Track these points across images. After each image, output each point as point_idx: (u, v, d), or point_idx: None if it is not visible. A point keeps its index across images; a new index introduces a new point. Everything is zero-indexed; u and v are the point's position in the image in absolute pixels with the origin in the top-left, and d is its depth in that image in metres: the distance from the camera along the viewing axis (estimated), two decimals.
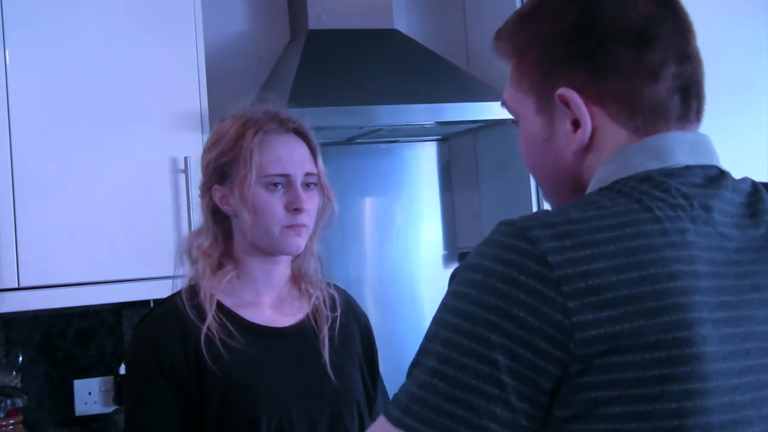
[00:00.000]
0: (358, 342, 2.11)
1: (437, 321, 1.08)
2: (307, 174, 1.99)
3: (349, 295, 2.20)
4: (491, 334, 1.02)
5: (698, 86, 1.18)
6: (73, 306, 2.97)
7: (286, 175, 1.96)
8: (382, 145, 3.69)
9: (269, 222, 1.95)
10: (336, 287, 2.14)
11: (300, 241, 1.98)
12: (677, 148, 1.14)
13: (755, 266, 1.09)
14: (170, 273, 2.06)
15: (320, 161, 2.03)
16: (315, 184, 2.01)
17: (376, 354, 2.17)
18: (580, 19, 1.17)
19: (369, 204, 3.70)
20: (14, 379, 3.07)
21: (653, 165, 1.13)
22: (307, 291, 2.07)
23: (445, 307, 1.08)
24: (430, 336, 1.08)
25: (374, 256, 3.67)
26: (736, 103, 3.19)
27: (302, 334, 2.02)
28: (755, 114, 3.37)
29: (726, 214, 1.11)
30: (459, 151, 3.78)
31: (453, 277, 1.11)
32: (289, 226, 1.96)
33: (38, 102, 2.79)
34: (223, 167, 1.99)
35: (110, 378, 3.22)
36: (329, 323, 2.04)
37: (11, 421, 2.96)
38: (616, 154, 1.15)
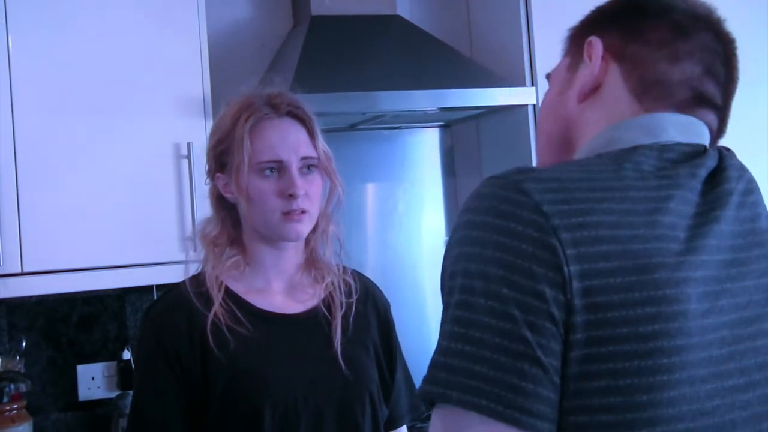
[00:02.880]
0: (374, 330, 2.08)
1: (450, 288, 1.07)
2: (304, 158, 1.95)
3: (370, 282, 2.17)
4: (503, 288, 1.02)
5: (713, 104, 1.23)
6: (76, 291, 2.97)
7: (278, 161, 1.93)
8: (385, 131, 3.68)
9: (265, 210, 1.93)
10: (355, 273, 2.11)
11: (300, 227, 1.95)
12: (670, 126, 1.18)
13: (722, 225, 1.13)
14: (174, 258, 2.06)
15: (320, 143, 1.98)
16: (315, 167, 1.97)
17: (396, 342, 2.12)
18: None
19: (371, 190, 3.69)
20: (18, 364, 3.08)
21: (645, 140, 1.16)
22: (321, 277, 2.04)
23: (453, 271, 1.07)
24: (446, 304, 1.08)
25: (376, 242, 3.67)
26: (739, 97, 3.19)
27: (314, 321, 2.00)
28: (758, 107, 3.38)
29: (709, 182, 1.15)
30: (461, 137, 3.78)
31: (452, 238, 1.11)
32: (286, 213, 1.93)
33: (41, 88, 2.79)
34: (221, 155, 1.98)
35: (113, 363, 3.22)
36: (343, 310, 2.01)
37: (15, 406, 2.97)
38: (611, 127, 1.20)
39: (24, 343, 3.14)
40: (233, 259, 1.98)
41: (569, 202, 1.04)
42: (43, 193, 2.77)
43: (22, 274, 2.73)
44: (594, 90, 1.24)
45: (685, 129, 1.19)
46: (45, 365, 3.20)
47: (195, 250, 2.03)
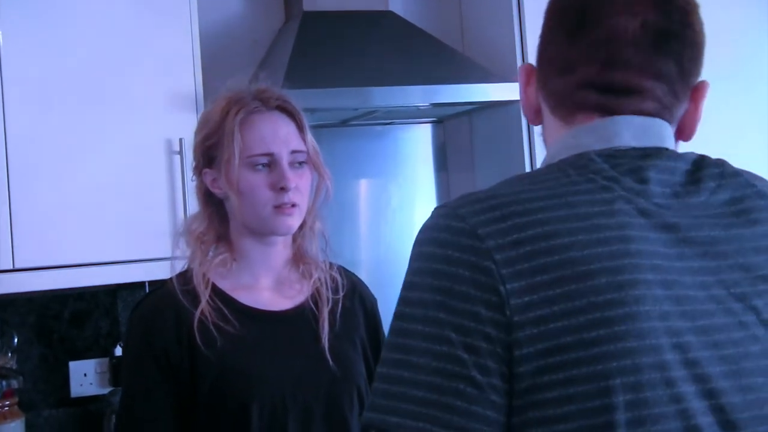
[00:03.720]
0: (362, 326, 2.08)
1: (393, 317, 1.10)
2: (294, 152, 1.96)
3: (356, 278, 2.17)
4: (440, 314, 1.04)
5: (631, 90, 1.17)
6: (68, 288, 2.96)
7: (269, 154, 1.93)
8: (378, 127, 3.68)
9: (256, 203, 1.93)
10: (341, 269, 2.10)
11: (291, 221, 1.95)
12: (624, 131, 1.16)
13: (689, 232, 1.10)
14: (165, 255, 2.05)
15: (309, 138, 1.99)
16: (304, 161, 1.98)
17: (383, 337, 2.11)
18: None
19: (364, 186, 3.69)
20: (9, 361, 3.07)
21: (598, 145, 1.15)
22: (308, 273, 2.04)
23: (399, 301, 1.10)
24: (389, 333, 1.10)
25: (369, 238, 3.67)
26: (735, 90, 3.20)
27: (301, 317, 1.99)
28: (753, 100, 3.38)
29: (665, 184, 1.13)
30: (454, 133, 3.78)
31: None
32: (278, 206, 1.93)
33: (32, 83, 2.78)
34: (209, 150, 1.97)
35: (106, 360, 3.22)
36: (330, 306, 2.01)
37: (7, 403, 2.96)
38: (565, 134, 1.20)
39: (16, 340, 3.13)
40: (221, 257, 1.98)
41: (505, 218, 1.05)
42: (34, 189, 2.76)
43: (14, 270, 2.73)
44: (537, 112, 1.28)
45: (643, 133, 1.16)
46: (37, 362, 3.19)
47: (180, 247, 2.02)
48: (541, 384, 1.01)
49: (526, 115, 1.30)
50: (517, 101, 3.23)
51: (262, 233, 1.97)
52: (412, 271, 1.10)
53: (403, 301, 1.09)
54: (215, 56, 3.15)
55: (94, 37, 2.86)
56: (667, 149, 1.17)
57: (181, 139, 2.85)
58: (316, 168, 2.00)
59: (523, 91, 1.28)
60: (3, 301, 3.13)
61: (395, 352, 1.07)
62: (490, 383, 1.01)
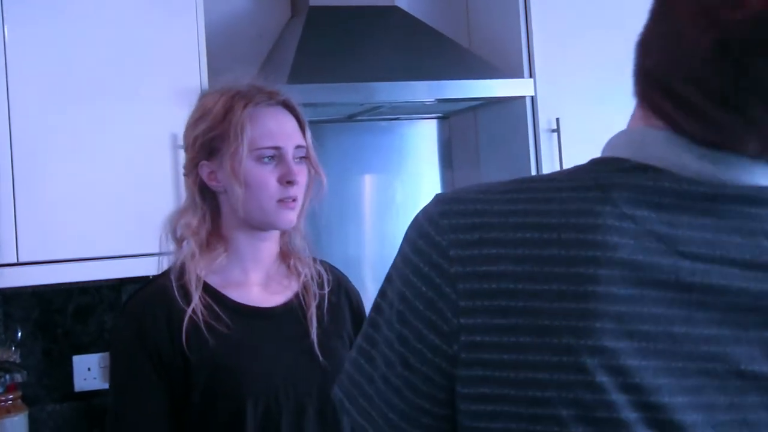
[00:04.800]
0: (348, 320, 2.08)
1: (374, 301, 1.08)
2: (297, 147, 1.97)
3: (340, 272, 2.17)
4: (396, 323, 1.01)
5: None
6: (72, 282, 2.96)
7: (277, 148, 1.94)
8: (383, 123, 3.68)
9: (262, 196, 1.93)
10: (324, 264, 2.10)
11: (292, 216, 1.95)
12: (696, 162, 0.95)
13: (706, 295, 0.92)
14: (170, 249, 2.04)
15: (308, 134, 2.00)
16: (304, 157, 1.99)
17: None
18: None
19: (369, 181, 3.69)
20: (13, 355, 3.07)
21: (656, 162, 0.96)
22: (296, 268, 2.04)
23: (379, 290, 1.07)
24: (368, 315, 1.09)
25: (374, 234, 3.66)
26: None
27: (290, 313, 1.99)
28: None
29: (707, 230, 0.94)
30: (459, 128, 3.77)
31: None
32: (282, 200, 1.93)
33: (37, 77, 2.78)
34: (211, 142, 1.96)
35: (109, 354, 3.21)
36: (317, 301, 2.01)
37: (10, 396, 2.96)
38: (636, 130, 1.01)
39: (19, 334, 3.13)
40: (213, 251, 1.97)
41: (482, 244, 0.96)
42: (39, 183, 2.76)
43: (18, 264, 2.72)
44: None
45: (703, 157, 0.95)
46: (41, 356, 3.19)
47: (169, 241, 2.01)
48: (477, 428, 0.96)
49: None
50: (522, 97, 3.24)
51: (261, 227, 1.97)
52: (393, 262, 1.06)
53: (380, 292, 1.06)
54: (221, 51, 3.15)
55: (100, 31, 2.85)
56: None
57: None
58: (313, 165, 2.01)
59: None
60: (7, 295, 3.13)
61: (364, 340, 1.06)
62: (420, 405, 1.00)
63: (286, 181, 1.92)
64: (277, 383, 1.90)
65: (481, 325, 0.94)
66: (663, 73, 0.93)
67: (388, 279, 1.06)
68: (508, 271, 0.94)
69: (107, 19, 2.86)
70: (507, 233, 0.95)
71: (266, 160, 1.93)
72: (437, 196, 1.05)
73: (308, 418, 1.91)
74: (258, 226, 1.97)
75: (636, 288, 0.91)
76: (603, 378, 0.89)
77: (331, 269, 2.12)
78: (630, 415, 0.89)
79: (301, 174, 1.97)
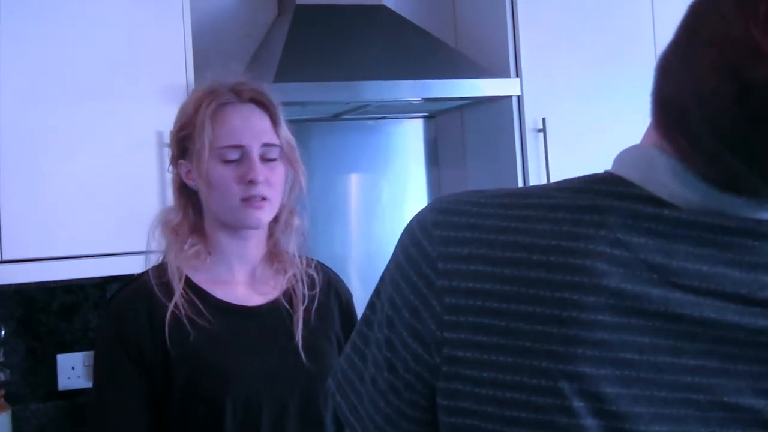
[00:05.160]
0: (337, 321, 2.07)
1: (368, 303, 1.09)
2: (266, 145, 1.94)
3: (332, 272, 2.16)
4: (384, 327, 1.02)
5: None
6: (57, 280, 2.95)
7: (239, 147, 1.92)
8: (369, 122, 3.68)
9: (225, 196, 1.92)
10: (318, 264, 2.10)
11: (260, 215, 1.93)
12: (700, 197, 0.94)
13: (696, 327, 0.91)
14: (156, 247, 2.04)
15: (283, 132, 1.97)
16: (277, 155, 1.96)
17: None
18: None
19: (355, 180, 3.68)
20: None
21: (662, 190, 0.94)
22: (283, 269, 2.03)
23: (374, 290, 1.08)
24: (363, 312, 1.10)
25: (360, 233, 3.66)
26: None
27: (275, 313, 1.98)
28: None
29: (705, 261, 0.92)
30: (446, 128, 3.77)
31: None
32: (246, 199, 1.91)
33: (23, 74, 2.77)
34: (183, 141, 1.97)
35: (93, 353, 3.20)
36: (306, 302, 2.00)
37: None
38: (647, 148, 0.97)
39: (3, 332, 3.12)
40: (195, 248, 1.97)
41: (471, 260, 0.96)
42: (23, 181, 2.75)
43: (2, 262, 2.71)
44: None
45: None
46: (24, 354, 3.17)
47: (155, 239, 2.01)
48: None
49: None
50: (509, 97, 3.24)
51: (234, 226, 1.96)
52: (388, 265, 1.06)
53: (375, 290, 1.07)
54: (207, 48, 3.14)
55: (86, 29, 2.84)
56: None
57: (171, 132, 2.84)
58: (290, 162, 1.98)
59: None
60: None
61: (358, 337, 1.08)
62: (401, 410, 1.01)
63: (248, 180, 1.90)
64: (258, 382, 1.90)
65: (463, 340, 0.95)
66: (680, 105, 0.91)
67: (382, 280, 1.06)
68: (494, 289, 0.94)
69: (94, 17, 2.85)
70: (496, 251, 0.95)
71: (229, 159, 1.92)
72: (434, 201, 1.05)
73: (289, 418, 1.91)
74: (230, 225, 1.96)
75: (622, 316, 0.91)
76: (579, 403, 0.90)
77: (323, 269, 2.11)
78: None
79: (272, 172, 1.94)
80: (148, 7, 2.91)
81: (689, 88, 0.89)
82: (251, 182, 1.90)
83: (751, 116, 0.84)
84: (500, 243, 0.96)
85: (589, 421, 0.89)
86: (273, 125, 1.96)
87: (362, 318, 1.08)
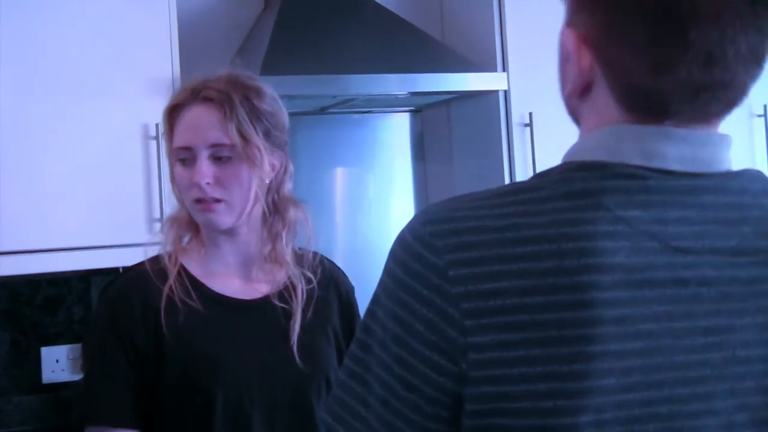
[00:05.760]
0: (336, 316, 2.06)
1: (359, 326, 1.07)
2: (214, 145, 1.88)
3: (335, 266, 2.14)
4: (394, 346, 1.00)
5: (727, 88, 0.99)
6: (41, 273, 2.94)
7: (187, 148, 1.89)
8: (355, 116, 3.67)
9: (183, 197, 1.92)
10: (321, 258, 2.07)
11: (214, 217, 1.89)
12: (671, 149, 0.99)
13: (701, 288, 0.97)
14: (141, 240, 2.04)
15: (236, 129, 1.87)
16: (231, 155, 1.88)
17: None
18: None
19: (341, 175, 3.68)
20: None
21: (637, 160, 0.99)
22: (280, 263, 2.00)
23: (366, 312, 1.06)
24: (354, 338, 1.07)
25: (345, 227, 3.66)
26: None
27: (271, 307, 1.97)
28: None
29: (693, 222, 0.98)
30: (432, 122, 3.77)
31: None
32: (197, 201, 1.89)
33: (7, 68, 2.75)
34: (166, 141, 1.99)
35: (78, 346, 3.19)
36: (304, 297, 1.98)
37: None
38: (605, 129, 1.02)
39: None
40: (190, 240, 1.97)
41: (482, 263, 0.96)
42: (8, 174, 2.74)
43: None
44: (584, 89, 1.05)
45: (692, 157, 1.00)
46: (8, 347, 3.16)
47: (157, 233, 2.02)
48: None
49: (569, 93, 1.07)
50: (495, 91, 3.24)
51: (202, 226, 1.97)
52: (381, 284, 1.04)
53: (369, 314, 1.05)
54: (193, 41, 3.13)
55: (72, 22, 2.83)
56: (710, 174, 1.01)
57: (157, 125, 2.83)
58: (248, 160, 1.89)
59: (575, 62, 1.05)
60: None
61: (354, 363, 1.05)
62: (427, 427, 0.99)
63: (193, 182, 1.88)
64: (250, 376, 1.89)
65: (488, 342, 0.95)
66: (616, 62, 1.01)
67: (376, 301, 1.04)
68: (512, 286, 0.95)
69: (79, 10, 2.84)
70: (505, 248, 0.97)
71: (184, 160, 1.90)
72: (421, 214, 1.04)
73: (281, 414, 1.91)
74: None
75: (636, 290, 0.95)
76: (611, 381, 0.93)
77: (324, 263, 2.09)
78: (639, 411, 0.94)
79: (225, 172, 1.89)
80: (134, 1, 2.89)
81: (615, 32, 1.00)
82: (198, 185, 1.88)
83: (673, 27, 0.96)
84: (507, 240, 0.97)
85: (621, 397, 0.94)
86: (225, 123, 1.88)
87: (357, 342, 1.06)
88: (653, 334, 0.95)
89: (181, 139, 1.90)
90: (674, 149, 0.99)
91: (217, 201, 1.88)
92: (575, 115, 1.11)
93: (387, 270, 1.04)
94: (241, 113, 1.88)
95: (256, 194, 1.92)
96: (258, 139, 1.90)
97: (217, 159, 1.89)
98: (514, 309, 0.94)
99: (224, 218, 1.91)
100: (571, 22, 1.06)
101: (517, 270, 0.95)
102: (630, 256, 0.95)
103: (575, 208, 0.97)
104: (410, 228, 1.03)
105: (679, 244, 0.97)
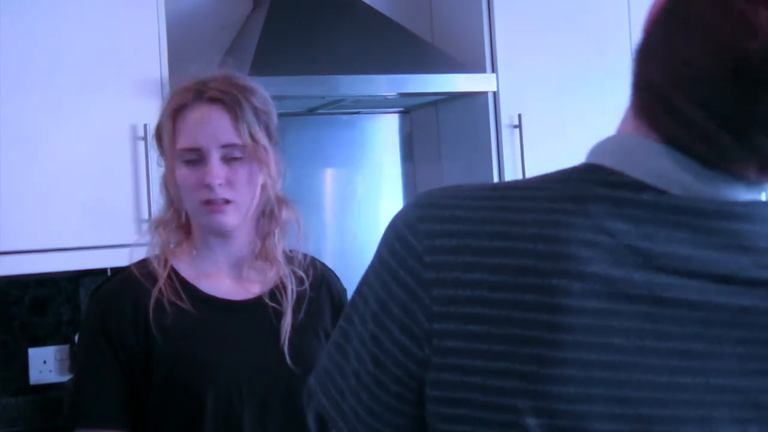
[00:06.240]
0: (327, 317, 2.04)
1: (351, 296, 1.08)
2: (225, 146, 1.88)
3: (326, 268, 2.13)
4: (370, 323, 1.01)
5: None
6: (29, 273, 2.94)
7: (197, 149, 1.87)
8: (344, 117, 3.67)
9: (189, 199, 1.89)
10: (312, 260, 2.07)
11: (223, 218, 1.89)
12: (684, 177, 0.95)
13: (681, 310, 0.93)
14: (129, 241, 2.04)
15: (247, 130, 1.89)
16: (240, 155, 1.89)
17: None
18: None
19: (330, 175, 3.68)
20: None
21: (646, 176, 0.95)
22: (271, 264, 2.00)
23: (357, 287, 1.08)
24: (344, 309, 1.10)
25: (334, 228, 3.66)
26: None
27: (262, 308, 1.96)
28: None
29: (686, 244, 0.94)
30: (421, 123, 3.77)
31: None
32: (207, 202, 1.87)
33: None
34: (159, 142, 1.96)
35: (66, 347, 3.19)
36: (295, 298, 1.97)
37: None
38: (625, 136, 0.99)
39: None
40: (180, 242, 1.96)
41: (458, 252, 0.96)
42: None
43: None
44: None
45: (705, 182, 0.95)
46: None
47: (145, 235, 2.01)
48: (441, 431, 0.97)
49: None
50: (485, 92, 3.25)
51: (203, 228, 1.95)
52: (371, 263, 1.06)
53: (357, 289, 1.07)
54: (182, 42, 3.12)
55: (60, 21, 2.83)
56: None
57: (145, 125, 2.83)
58: (258, 160, 1.91)
59: None
60: None
61: (339, 334, 1.07)
62: (391, 405, 1.01)
63: (205, 184, 1.86)
64: (241, 377, 1.89)
65: (453, 330, 0.95)
66: (668, 90, 0.92)
67: (365, 277, 1.06)
68: (484, 279, 0.95)
69: (67, 9, 2.83)
70: (483, 241, 0.96)
71: (190, 161, 1.88)
72: (416, 198, 1.05)
73: (272, 415, 1.90)
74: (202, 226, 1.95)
75: (609, 302, 0.92)
76: (570, 389, 0.91)
77: (316, 264, 2.09)
78: (595, 425, 0.91)
79: (236, 173, 1.89)
80: (123, 0, 2.89)
81: (678, 66, 0.90)
82: (209, 186, 1.86)
83: (746, 92, 0.86)
84: (487, 233, 0.96)
85: (579, 407, 0.91)
86: (235, 124, 1.89)
87: (343, 315, 1.08)
88: (620, 349, 0.92)
89: (188, 140, 1.88)
90: (683, 176, 0.94)
91: (227, 202, 1.88)
92: None
93: (377, 249, 1.05)
94: (249, 114, 1.89)
95: (260, 194, 1.93)
96: (264, 139, 1.91)
97: (227, 160, 1.88)
98: (483, 302, 0.94)
99: (232, 219, 1.90)
100: None
101: (491, 264, 0.95)
102: (607, 268, 0.93)
103: (562, 210, 0.96)
104: (403, 210, 1.04)
105: (664, 263, 0.93)
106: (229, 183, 1.88)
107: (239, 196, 1.90)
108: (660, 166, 0.95)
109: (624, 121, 1.01)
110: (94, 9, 2.86)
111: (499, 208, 0.98)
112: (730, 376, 0.93)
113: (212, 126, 1.88)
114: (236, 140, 1.88)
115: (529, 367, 0.92)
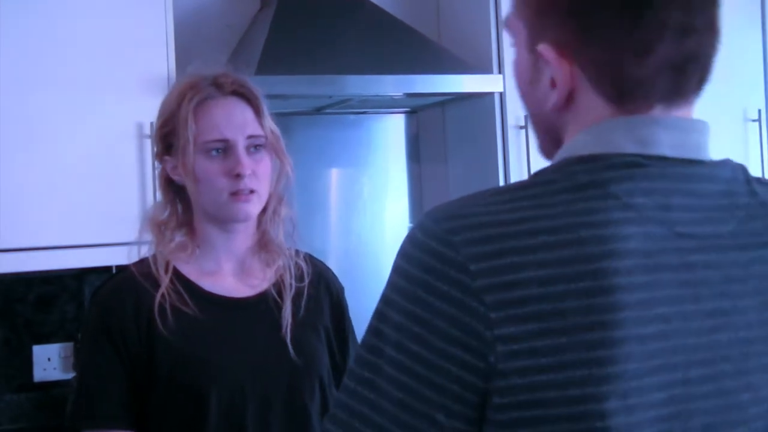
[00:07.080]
0: (326, 314, 2.06)
1: (367, 330, 1.04)
2: (251, 137, 1.93)
3: (323, 265, 2.15)
4: (414, 345, 0.98)
5: (698, 61, 1.05)
6: (34, 270, 2.94)
7: (224, 140, 1.91)
8: (351, 116, 3.67)
9: (212, 190, 1.91)
10: (308, 256, 2.08)
11: (248, 207, 1.92)
12: (663, 136, 1.03)
13: (707, 271, 1.02)
14: (134, 239, 2.03)
15: (268, 122, 1.96)
16: (262, 146, 1.95)
17: (349, 326, 2.10)
18: None
19: (336, 175, 3.68)
20: None
21: (632, 148, 1.03)
22: (272, 260, 2.02)
23: (375, 314, 1.04)
24: (360, 344, 1.05)
25: (340, 228, 3.65)
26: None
27: (263, 305, 1.98)
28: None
29: (693, 209, 1.03)
30: (427, 123, 3.77)
31: (388, 277, 1.06)
32: (234, 193, 1.90)
33: (1, 65, 2.75)
34: (166, 137, 1.95)
35: (70, 344, 3.19)
36: (294, 294, 1.99)
37: None
38: (595, 126, 1.06)
39: None
40: (181, 241, 1.97)
41: (502, 255, 0.97)
42: (1, 170, 2.73)
43: None
44: (567, 99, 1.08)
45: (680, 142, 1.05)
46: (0, 345, 3.15)
47: (144, 234, 2.00)
48: None
49: (553, 107, 1.09)
50: (491, 93, 3.24)
51: (222, 220, 1.95)
52: (392, 286, 1.03)
53: (379, 316, 1.03)
54: (189, 40, 3.12)
55: (67, 19, 2.83)
56: (702, 162, 1.06)
57: (152, 123, 2.81)
58: (276, 153, 1.97)
59: (558, 72, 1.07)
60: None
61: (365, 369, 1.02)
62: (452, 426, 0.98)
63: (235, 174, 1.89)
64: (243, 374, 1.89)
65: (514, 333, 0.96)
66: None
67: (387, 302, 1.03)
68: (533, 276, 0.96)
69: (75, 7, 2.84)
70: (522, 240, 0.98)
71: (214, 153, 1.91)
72: (429, 214, 1.04)
73: (275, 412, 1.91)
74: (218, 218, 1.95)
75: (652, 274, 0.99)
76: (633, 365, 0.96)
77: (313, 261, 2.10)
78: (658, 395, 0.98)
79: (258, 164, 1.93)
80: None
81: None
82: (238, 176, 1.89)
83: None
84: (523, 232, 0.98)
85: (643, 382, 0.97)
86: (257, 116, 1.95)
87: (365, 346, 1.04)
88: (667, 317, 0.99)
89: (214, 132, 1.91)
90: (665, 135, 1.04)
91: (252, 192, 1.92)
92: (554, 131, 1.13)
93: (398, 270, 1.03)
94: (265, 107, 1.96)
95: (276, 185, 1.99)
96: (279, 132, 1.98)
97: (249, 151, 1.93)
98: (537, 299, 0.96)
99: (255, 208, 1.95)
100: (536, 41, 1.08)
101: (535, 260, 0.97)
102: (643, 242, 0.99)
103: (584, 198, 1.00)
104: (421, 227, 1.03)
105: (683, 229, 1.01)
106: (254, 174, 1.92)
107: (262, 186, 1.94)
108: (643, 134, 1.04)
109: (571, 132, 1.10)
110: (101, 7, 2.86)
111: (526, 207, 1.01)
112: (753, 328, 1.04)
113: (238, 118, 1.93)
114: (260, 131, 1.94)
115: (595, 352, 0.95)
